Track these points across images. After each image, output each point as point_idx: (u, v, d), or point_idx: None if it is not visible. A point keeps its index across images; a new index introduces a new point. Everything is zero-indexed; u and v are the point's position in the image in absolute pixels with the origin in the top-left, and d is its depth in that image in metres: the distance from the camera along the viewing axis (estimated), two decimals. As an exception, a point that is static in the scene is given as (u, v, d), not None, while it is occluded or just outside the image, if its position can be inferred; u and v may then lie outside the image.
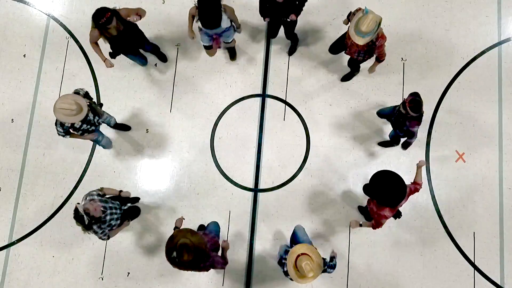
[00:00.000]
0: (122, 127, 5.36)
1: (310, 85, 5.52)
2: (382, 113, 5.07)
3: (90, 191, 4.14)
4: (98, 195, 4.07)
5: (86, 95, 4.38)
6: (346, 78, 5.44)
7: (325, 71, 5.52)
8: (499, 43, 5.53)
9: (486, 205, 5.15)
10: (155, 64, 5.60)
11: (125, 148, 5.42)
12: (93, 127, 4.45)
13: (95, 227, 3.92)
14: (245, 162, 5.36)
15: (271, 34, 5.53)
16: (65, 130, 4.25)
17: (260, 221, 5.21)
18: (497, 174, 5.22)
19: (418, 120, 4.24)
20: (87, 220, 3.78)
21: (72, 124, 4.19)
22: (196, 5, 4.31)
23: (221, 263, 3.87)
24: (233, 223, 5.19)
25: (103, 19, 4.10)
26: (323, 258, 3.77)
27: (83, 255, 5.20)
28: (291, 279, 3.77)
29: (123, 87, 5.56)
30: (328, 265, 3.89)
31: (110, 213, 4.04)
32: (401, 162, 5.27)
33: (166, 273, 5.11)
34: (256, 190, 5.29)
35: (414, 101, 4.04)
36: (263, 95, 5.54)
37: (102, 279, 5.14)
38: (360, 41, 4.09)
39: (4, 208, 5.36)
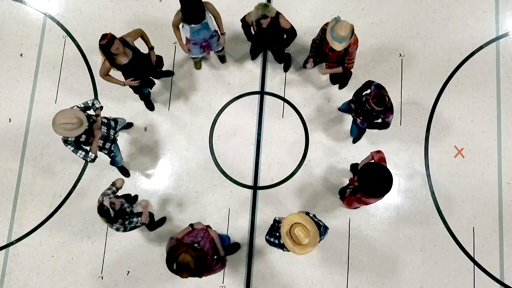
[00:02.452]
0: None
1: (308, 82, 5.51)
2: (342, 109, 5.29)
3: (104, 192, 4.12)
4: (113, 192, 4.16)
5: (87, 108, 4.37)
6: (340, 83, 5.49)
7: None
8: (497, 38, 5.54)
9: (486, 200, 5.15)
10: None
11: (124, 146, 5.39)
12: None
13: (119, 221, 4.00)
14: (244, 159, 5.35)
15: (253, 55, 5.54)
16: (78, 147, 4.22)
17: (260, 218, 5.20)
18: (496, 169, 5.22)
19: (391, 111, 4.21)
20: (113, 213, 3.84)
21: (78, 138, 4.17)
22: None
23: (221, 267, 3.98)
24: (233, 220, 5.19)
25: (104, 41, 4.10)
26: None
27: (82, 254, 5.18)
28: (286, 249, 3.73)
29: (121, 86, 5.52)
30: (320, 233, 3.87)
31: (128, 206, 4.15)
32: (400, 158, 5.27)
33: (166, 272, 5.07)
34: (255, 187, 5.28)
35: (377, 96, 4.03)
36: (262, 92, 5.53)
37: (102, 278, 5.13)
38: (338, 46, 4.15)
39: (3, 208, 5.34)
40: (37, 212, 5.31)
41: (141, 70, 4.68)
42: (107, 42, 4.11)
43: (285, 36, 4.75)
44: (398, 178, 5.23)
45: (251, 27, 4.65)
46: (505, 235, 5.07)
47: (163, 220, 5.16)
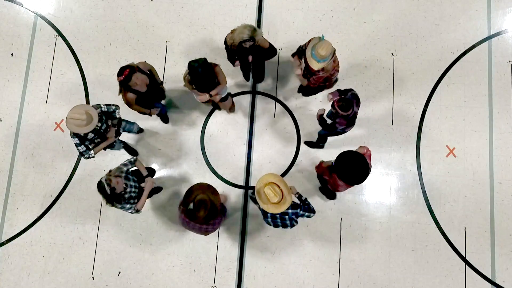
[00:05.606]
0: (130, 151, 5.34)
1: (300, 82, 5.49)
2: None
3: (124, 162, 4.16)
4: (130, 162, 4.15)
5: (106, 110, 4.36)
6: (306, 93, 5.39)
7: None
8: (489, 37, 5.52)
9: (477, 200, 5.14)
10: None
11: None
12: (99, 137, 4.38)
13: (116, 203, 3.97)
14: (235, 159, 5.34)
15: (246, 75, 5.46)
16: (82, 141, 4.20)
17: (251, 218, 5.19)
18: (488, 168, 5.21)
19: (345, 119, 4.16)
20: (109, 190, 3.80)
21: (85, 134, 4.18)
22: (188, 74, 4.19)
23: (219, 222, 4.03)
24: (225, 220, 5.16)
25: (121, 77, 4.06)
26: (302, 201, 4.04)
27: (73, 254, 5.17)
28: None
29: (112, 85, 5.51)
30: (303, 208, 4.02)
31: (129, 191, 4.09)
32: (392, 157, 5.26)
33: (157, 272, 5.09)
34: (247, 187, 5.26)
35: (342, 99, 4.00)
36: (253, 92, 5.51)
37: (93, 279, 5.11)
38: (315, 65, 4.10)
39: (-7, 208, 5.33)
40: (28, 212, 5.29)
41: (154, 95, 4.63)
42: (124, 78, 4.07)
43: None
44: (389, 178, 5.22)
45: (230, 47, 4.38)
46: (497, 235, 5.06)
47: (159, 189, 5.19)
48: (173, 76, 5.54)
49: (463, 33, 5.53)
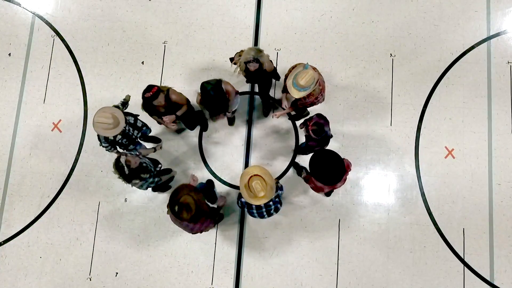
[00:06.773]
0: (152, 140, 5.30)
1: (298, 82, 5.48)
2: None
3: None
4: (137, 155, 4.12)
5: (123, 104, 4.39)
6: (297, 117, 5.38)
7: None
8: (488, 38, 5.51)
9: (476, 201, 5.13)
10: (142, 62, 5.55)
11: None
12: (128, 140, 4.41)
13: (134, 181, 3.99)
14: (234, 160, 5.32)
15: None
16: (110, 142, 4.23)
17: (249, 219, 5.17)
18: (487, 170, 5.20)
19: (316, 142, 4.26)
20: (127, 171, 3.83)
21: (114, 137, 4.20)
22: (200, 94, 4.21)
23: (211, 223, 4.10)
24: (222, 221, 5.15)
25: (149, 93, 4.07)
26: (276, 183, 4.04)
27: (70, 255, 5.15)
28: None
29: (110, 86, 5.50)
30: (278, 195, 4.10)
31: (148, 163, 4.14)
32: (390, 158, 5.25)
33: (155, 273, 5.07)
34: (245, 188, 5.25)
35: (316, 124, 4.06)
36: (252, 93, 5.49)
37: (90, 280, 5.10)
38: (296, 94, 4.08)
39: (-9, 209, 5.32)
40: (25, 213, 5.27)
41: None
42: (152, 95, 4.09)
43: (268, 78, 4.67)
44: (388, 179, 5.21)
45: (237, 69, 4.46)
46: (495, 236, 5.04)
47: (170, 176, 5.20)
48: (171, 76, 5.52)
49: (462, 34, 5.52)
